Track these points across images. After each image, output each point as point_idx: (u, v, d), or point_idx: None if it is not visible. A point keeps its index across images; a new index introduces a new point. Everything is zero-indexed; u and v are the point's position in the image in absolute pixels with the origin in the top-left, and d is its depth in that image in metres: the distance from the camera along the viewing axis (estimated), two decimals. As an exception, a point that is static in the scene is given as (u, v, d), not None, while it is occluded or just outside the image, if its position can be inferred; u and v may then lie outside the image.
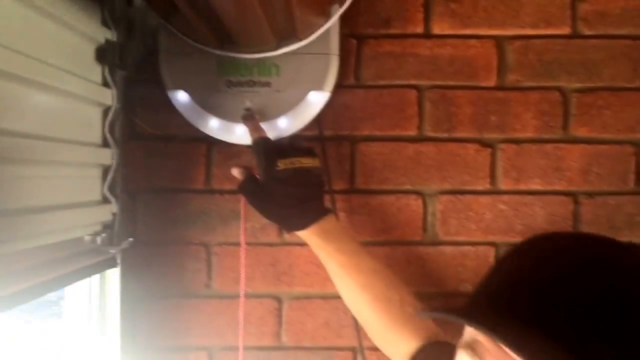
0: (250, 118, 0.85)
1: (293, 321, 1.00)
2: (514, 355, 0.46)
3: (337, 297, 0.86)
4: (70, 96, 0.77)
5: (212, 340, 0.99)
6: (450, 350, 0.79)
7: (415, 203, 1.00)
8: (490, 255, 1.00)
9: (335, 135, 0.99)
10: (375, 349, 0.89)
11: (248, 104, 0.86)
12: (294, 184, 0.81)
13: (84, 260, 0.82)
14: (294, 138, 0.92)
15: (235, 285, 0.95)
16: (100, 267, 0.88)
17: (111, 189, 0.87)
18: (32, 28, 0.68)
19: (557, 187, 0.99)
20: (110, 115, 0.87)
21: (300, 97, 0.87)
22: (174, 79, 0.86)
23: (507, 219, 1.00)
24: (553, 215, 1.00)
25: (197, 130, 0.92)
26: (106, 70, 0.86)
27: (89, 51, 0.83)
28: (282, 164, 0.81)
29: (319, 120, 0.94)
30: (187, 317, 0.99)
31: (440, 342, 0.83)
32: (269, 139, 0.84)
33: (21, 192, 0.66)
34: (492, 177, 1.00)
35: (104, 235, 0.87)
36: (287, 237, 0.99)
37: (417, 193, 1.00)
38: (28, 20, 0.68)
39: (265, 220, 0.87)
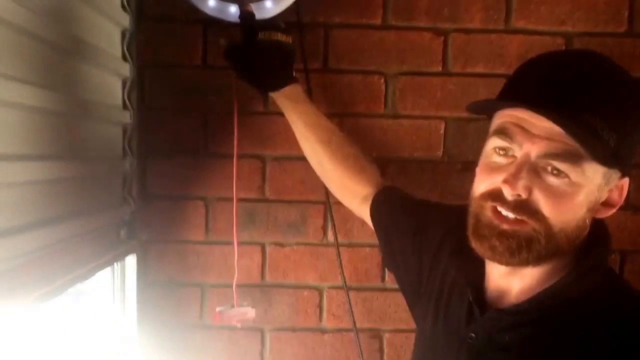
0: (241, -1, 1.03)
1: (275, 178, 1.21)
2: (533, 127, 0.65)
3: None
4: None
5: (210, 193, 1.20)
6: (397, 191, 1.00)
7: (378, 82, 1.19)
8: (440, 128, 1.20)
9: (312, 22, 1.17)
10: (340, 203, 1.10)
11: (239, -15, 1.03)
12: (269, 53, 1.00)
13: (111, 250, 1.06)
14: (275, 19, 1.10)
15: (230, 148, 1.14)
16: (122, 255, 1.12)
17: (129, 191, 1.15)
18: None
19: (498, 71, 1.18)
20: None
21: (282, -17, 1.05)
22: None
23: (455, 98, 1.19)
24: (494, 95, 1.19)
25: (196, 12, 1.10)
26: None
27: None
28: (261, 35, 0.99)
29: (297, 7, 1.12)
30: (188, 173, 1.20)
31: (389, 186, 1.03)
32: (254, 14, 1.03)
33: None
34: (444, 61, 1.19)
35: (125, 229, 1.15)
36: (270, 107, 1.18)
37: (380, 73, 1.19)
38: None
39: (252, 93, 1.06)
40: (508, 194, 0.66)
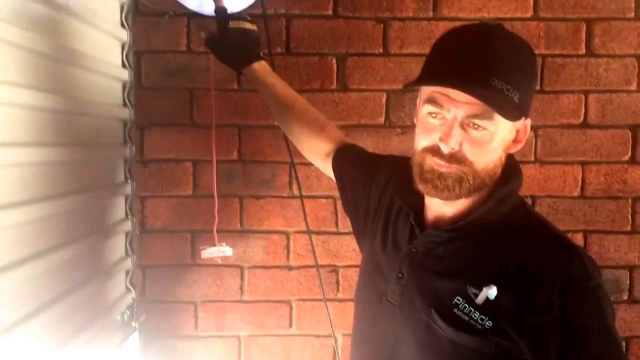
0: (215, -6, 1.30)
1: (248, 143, 1.48)
2: (456, 95, 0.81)
3: (278, 128, 1.32)
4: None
5: (196, 156, 1.47)
6: (354, 147, 1.22)
7: (330, 62, 1.46)
8: (382, 99, 1.46)
9: (275, 13, 1.44)
10: (303, 163, 1.36)
11: (213, -15, 1.30)
12: (239, 38, 1.25)
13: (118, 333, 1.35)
14: (242, 12, 1.37)
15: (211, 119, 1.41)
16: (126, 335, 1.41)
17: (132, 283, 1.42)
18: None
19: (427, 51, 1.43)
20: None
21: (248, -18, 1.32)
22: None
23: (394, 74, 1.46)
24: (426, 71, 1.45)
25: (181, 7, 1.37)
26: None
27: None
28: (232, 24, 1.25)
29: (262, 1, 1.39)
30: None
31: (348, 144, 1.27)
32: (226, 9, 1.29)
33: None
34: (384, 44, 1.46)
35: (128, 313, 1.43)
36: (243, 85, 1.45)
37: (332, 55, 1.46)
38: None
39: (229, 72, 1.32)
40: (445, 148, 0.84)
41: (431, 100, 0.86)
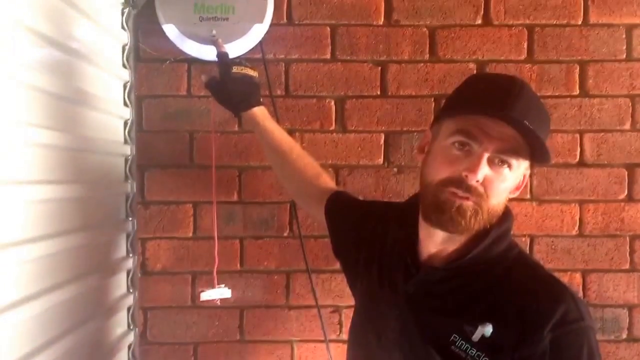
0: (216, 40, 1.33)
1: (248, 184, 1.49)
2: (491, 130, 0.84)
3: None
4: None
5: (196, 197, 1.49)
6: (345, 195, 1.25)
7: (329, 104, 1.48)
8: (380, 140, 1.48)
9: (275, 58, 1.47)
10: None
11: (214, 32, 1.33)
12: (241, 83, 1.28)
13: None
14: (243, 58, 1.40)
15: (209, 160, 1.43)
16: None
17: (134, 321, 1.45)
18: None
19: (424, 93, 1.47)
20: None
21: (248, 28, 1.35)
22: (165, 16, 1.34)
23: (392, 115, 1.48)
24: (422, 111, 1.48)
25: (181, 53, 1.39)
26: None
27: None
28: (235, 69, 1.28)
29: (262, 45, 1.42)
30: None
31: (339, 191, 1.29)
32: (228, 54, 1.32)
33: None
34: (382, 86, 1.48)
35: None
36: (243, 127, 1.47)
37: (330, 97, 1.48)
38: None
39: (228, 115, 1.34)
40: (471, 179, 0.85)
41: (462, 131, 0.87)
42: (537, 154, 0.87)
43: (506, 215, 0.96)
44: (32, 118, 1.01)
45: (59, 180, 1.11)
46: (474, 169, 0.85)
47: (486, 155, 0.86)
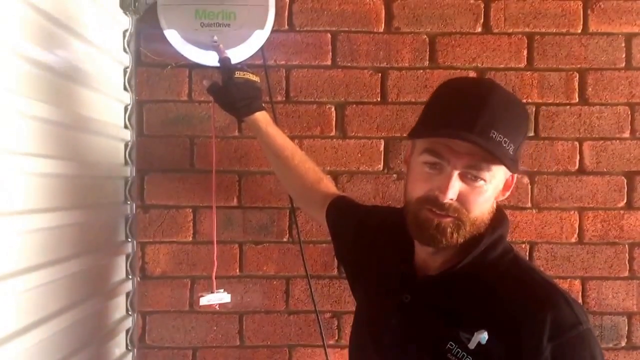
0: (218, 46, 1.33)
1: (248, 189, 1.50)
2: (458, 147, 0.83)
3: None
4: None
5: (196, 202, 1.49)
6: (346, 200, 1.26)
7: (329, 110, 1.49)
8: (380, 146, 1.49)
9: (276, 64, 1.48)
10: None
11: (215, 38, 1.34)
12: (244, 88, 1.29)
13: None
14: (244, 63, 1.40)
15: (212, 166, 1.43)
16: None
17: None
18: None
19: (424, 99, 1.45)
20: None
21: (249, 34, 1.36)
22: (166, 21, 1.35)
23: (391, 121, 1.49)
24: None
25: (183, 58, 1.40)
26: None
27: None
28: (238, 74, 1.28)
29: (263, 51, 1.43)
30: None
31: (341, 195, 1.30)
32: (230, 59, 1.32)
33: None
34: (382, 93, 1.49)
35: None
36: (244, 132, 1.48)
37: (331, 103, 1.49)
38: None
39: (229, 120, 1.35)
40: (443, 199, 0.86)
41: (431, 151, 0.88)
42: (506, 164, 0.86)
43: (500, 220, 0.96)
44: (31, 147, 1.03)
45: (61, 207, 1.13)
46: (443, 189, 0.86)
47: (456, 173, 0.86)
